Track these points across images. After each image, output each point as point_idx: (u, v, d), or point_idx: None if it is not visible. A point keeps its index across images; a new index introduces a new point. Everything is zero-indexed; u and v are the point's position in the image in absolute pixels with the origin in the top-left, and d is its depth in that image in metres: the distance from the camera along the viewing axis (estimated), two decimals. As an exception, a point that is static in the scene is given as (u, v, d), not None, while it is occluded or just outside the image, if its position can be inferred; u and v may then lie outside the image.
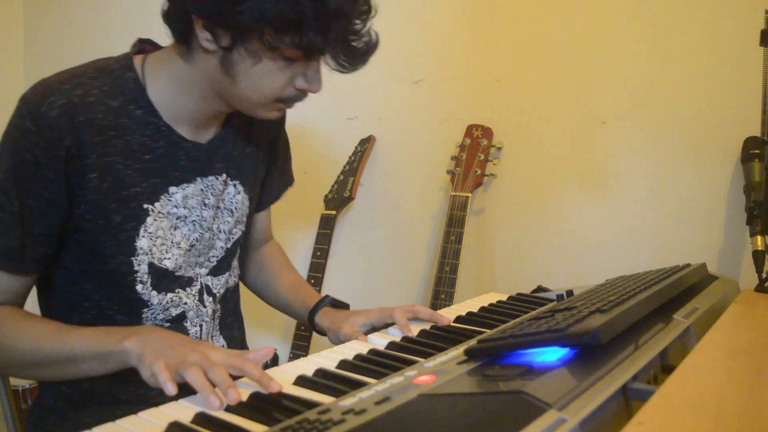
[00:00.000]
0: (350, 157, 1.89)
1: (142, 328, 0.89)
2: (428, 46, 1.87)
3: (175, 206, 0.99)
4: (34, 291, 1.04)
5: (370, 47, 0.91)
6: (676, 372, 0.60)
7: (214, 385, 0.72)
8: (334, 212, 1.83)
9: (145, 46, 1.01)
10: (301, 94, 0.93)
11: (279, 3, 0.80)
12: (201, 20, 0.84)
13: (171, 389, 0.73)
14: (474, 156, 1.73)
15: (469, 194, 1.70)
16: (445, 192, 1.86)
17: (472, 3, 1.83)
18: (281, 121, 1.20)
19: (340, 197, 1.84)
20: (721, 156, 1.54)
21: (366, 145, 1.89)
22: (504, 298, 1.23)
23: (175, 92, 0.95)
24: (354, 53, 0.90)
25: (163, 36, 0.98)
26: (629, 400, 0.58)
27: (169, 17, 0.90)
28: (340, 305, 1.17)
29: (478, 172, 1.71)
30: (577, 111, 1.70)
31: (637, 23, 1.63)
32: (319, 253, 1.78)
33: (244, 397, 0.70)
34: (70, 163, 0.88)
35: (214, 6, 0.82)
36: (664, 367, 0.69)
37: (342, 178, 1.87)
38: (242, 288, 1.32)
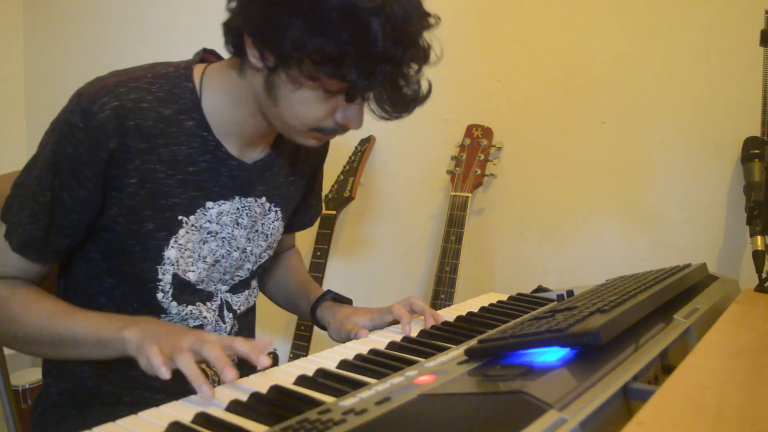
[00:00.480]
0: (350, 157, 1.89)
1: (144, 318, 0.89)
2: (428, 46, 1.87)
3: (209, 221, 0.98)
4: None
5: (418, 97, 0.88)
6: (676, 372, 0.60)
7: (209, 375, 0.72)
8: (334, 212, 1.83)
9: (208, 57, 1.00)
10: (340, 128, 0.91)
11: (320, 37, 0.78)
12: (249, 38, 0.84)
13: (165, 373, 0.73)
14: (474, 156, 1.73)
15: (469, 194, 1.70)
16: (445, 192, 1.86)
17: (472, 3, 1.83)
18: (325, 152, 1.21)
19: (340, 197, 1.84)
20: (721, 156, 1.54)
21: (366, 145, 1.89)
22: (504, 298, 1.23)
23: (227, 105, 0.94)
24: (399, 100, 0.86)
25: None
26: (629, 400, 0.58)
27: (227, 27, 0.89)
28: (342, 300, 1.17)
29: (478, 172, 1.71)
30: (577, 111, 1.70)
31: (637, 23, 1.63)
32: (319, 253, 1.78)
33: (244, 398, 0.70)
34: (112, 166, 0.88)
35: (260, 28, 0.82)
36: (664, 367, 0.69)
37: (342, 178, 1.87)
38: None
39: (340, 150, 1.93)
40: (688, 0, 1.57)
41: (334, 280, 1.96)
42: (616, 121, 1.66)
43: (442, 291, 1.63)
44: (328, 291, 1.17)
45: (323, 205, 1.85)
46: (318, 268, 1.77)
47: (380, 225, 1.99)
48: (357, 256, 2.03)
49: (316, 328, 1.79)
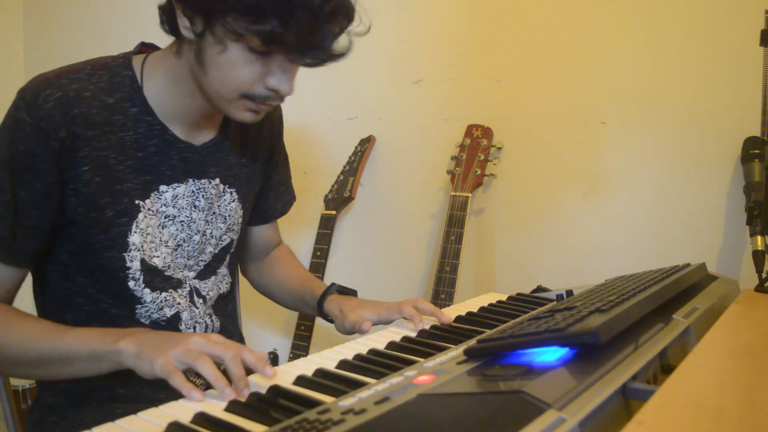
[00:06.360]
0: (350, 157, 1.89)
1: (137, 329, 0.87)
2: (428, 46, 1.87)
3: (165, 205, 0.99)
4: (29, 290, 1.04)
5: (334, 54, 0.89)
6: (676, 372, 0.60)
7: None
8: (334, 212, 1.83)
9: (145, 49, 1.02)
10: (272, 94, 0.90)
11: None
12: (179, 5, 0.86)
13: (198, 396, 0.71)
14: (474, 156, 1.73)
15: (469, 194, 1.70)
16: (445, 192, 1.86)
17: (472, 3, 1.83)
18: (278, 134, 1.20)
19: (340, 197, 1.84)
20: (721, 156, 1.54)
21: (366, 145, 1.89)
22: (504, 298, 1.23)
23: (168, 90, 0.96)
24: (316, 53, 0.86)
25: (162, 36, 0.98)
26: (629, 400, 0.58)
27: (161, 9, 0.91)
28: (347, 291, 1.16)
29: (478, 172, 1.71)
30: (577, 111, 1.70)
31: (637, 23, 1.63)
32: (319, 253, 1.78)
33: (243, 398, 0.70)
34: (63, 156, 0.89)
35: None
36: (663, 367, 0.69)
37: (342, 178, 1.87)
38: (242, 290, 1.32)
39: (340, 150, 1.93)
40: (688, 0, 1.57)
41: (334, 280, 1.96)
42: (615, 121, 1.66)
43: (442, 291, 1.63)
44: (333, 284, 1.17)
45: (324, 204, 1.86)
46: (318, 268, 1.76)
47: (380, 225, 1.99)
48: (357, 256, 2.03)
49: (315, 328, 1.79)
